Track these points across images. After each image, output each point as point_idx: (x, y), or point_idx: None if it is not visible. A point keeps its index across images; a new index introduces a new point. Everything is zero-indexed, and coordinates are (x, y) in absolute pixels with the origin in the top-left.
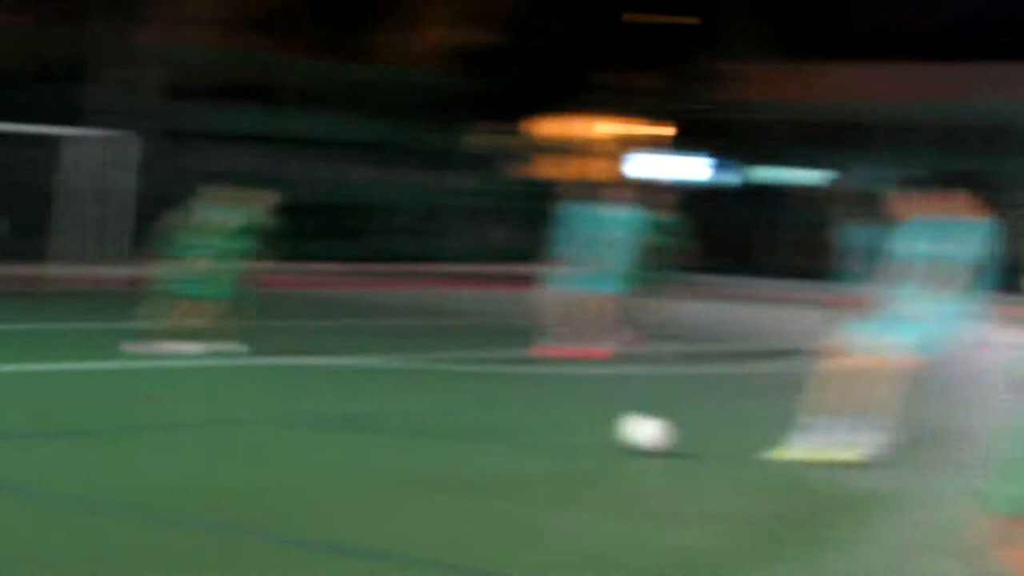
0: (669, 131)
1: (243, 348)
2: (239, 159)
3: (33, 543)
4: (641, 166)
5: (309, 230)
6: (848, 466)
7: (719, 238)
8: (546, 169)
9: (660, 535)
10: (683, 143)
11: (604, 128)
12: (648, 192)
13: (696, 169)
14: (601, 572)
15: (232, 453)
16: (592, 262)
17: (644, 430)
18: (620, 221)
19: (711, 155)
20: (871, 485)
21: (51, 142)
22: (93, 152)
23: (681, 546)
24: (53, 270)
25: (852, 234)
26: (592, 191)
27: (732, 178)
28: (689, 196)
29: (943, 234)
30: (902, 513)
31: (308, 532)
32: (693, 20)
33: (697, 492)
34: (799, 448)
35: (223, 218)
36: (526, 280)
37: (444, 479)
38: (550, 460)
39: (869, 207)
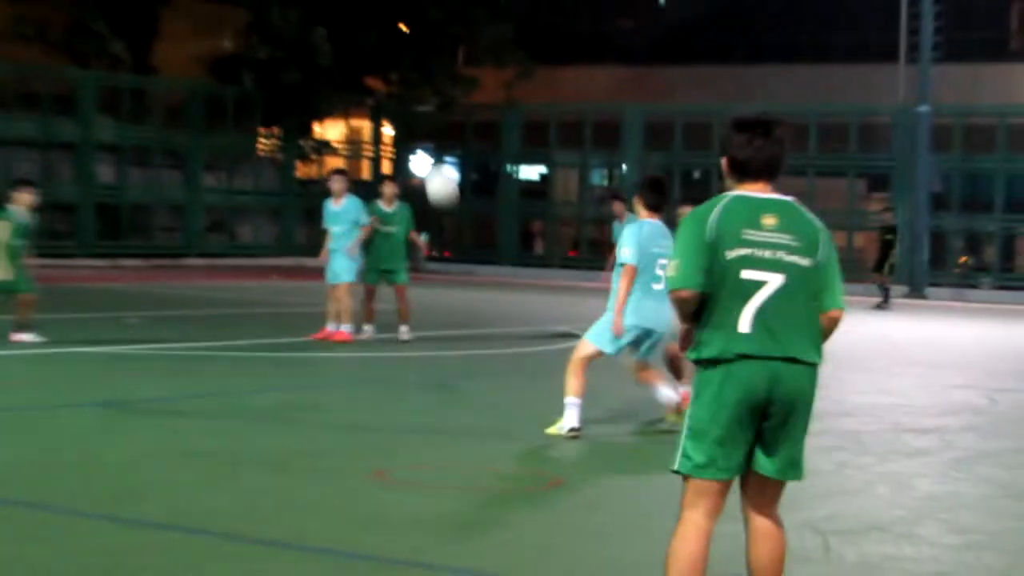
0: (417, 130)
1: (42, 338)
2: (17, 164)
3: None
4: (396, 163)
5: (92, 228)
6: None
7: (463, 229)
8: (318, 169)
9: (416, 503)
10: (427, 142)
11: (365, 128)
12: (380, 185)
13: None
14: (373, 534)
15: (33, 435)
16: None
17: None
18: (345, 213)
19: (446, 152)
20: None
21: None
22: None
23: (433, 512)
24: None
25: (614, 229)
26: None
27: (466, 174)
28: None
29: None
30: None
31: (107, 507)
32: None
33: (457, 465)
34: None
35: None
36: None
37: (216, 454)
38: (314, 437)
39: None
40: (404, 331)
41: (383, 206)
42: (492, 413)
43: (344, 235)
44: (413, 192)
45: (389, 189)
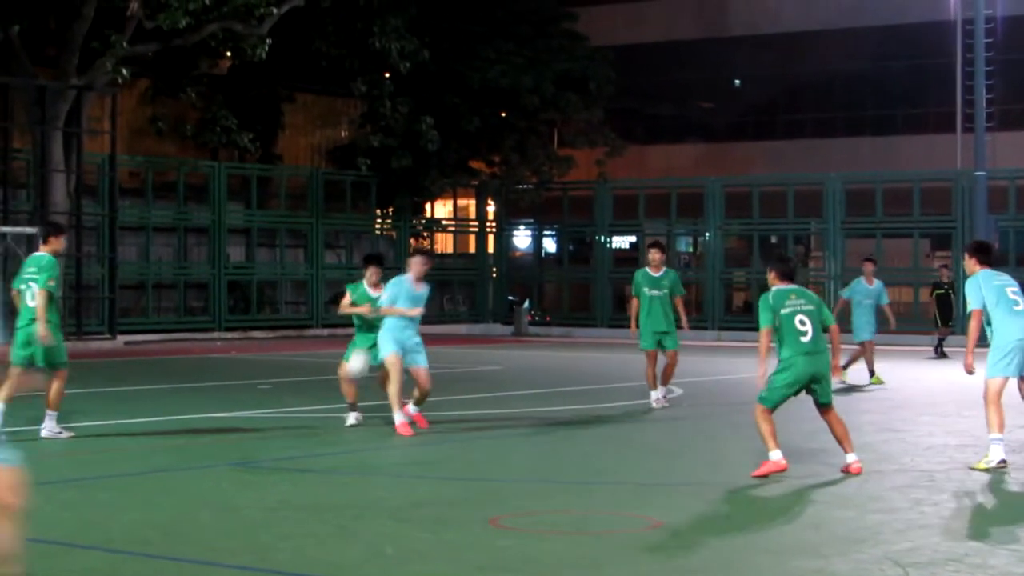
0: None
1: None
2: (155, 248)
3: None
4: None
5: (224, 304)
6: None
7: (562, 295)
8: (428, 243)
9: (530, 548)
10: (527, 217)
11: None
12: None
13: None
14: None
15: (174, 493)
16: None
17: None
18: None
19: (545, 226)
20: None
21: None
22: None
23: (547, 555)
24: None
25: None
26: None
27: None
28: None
29: None
30: None
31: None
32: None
33: (566, 512)
34: None
35: None
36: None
37: (342, 507)
38: (432, 488)
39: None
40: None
41: (651, 272)
42: (599, 464)
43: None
44: (514, 264)
45: (657, 256)
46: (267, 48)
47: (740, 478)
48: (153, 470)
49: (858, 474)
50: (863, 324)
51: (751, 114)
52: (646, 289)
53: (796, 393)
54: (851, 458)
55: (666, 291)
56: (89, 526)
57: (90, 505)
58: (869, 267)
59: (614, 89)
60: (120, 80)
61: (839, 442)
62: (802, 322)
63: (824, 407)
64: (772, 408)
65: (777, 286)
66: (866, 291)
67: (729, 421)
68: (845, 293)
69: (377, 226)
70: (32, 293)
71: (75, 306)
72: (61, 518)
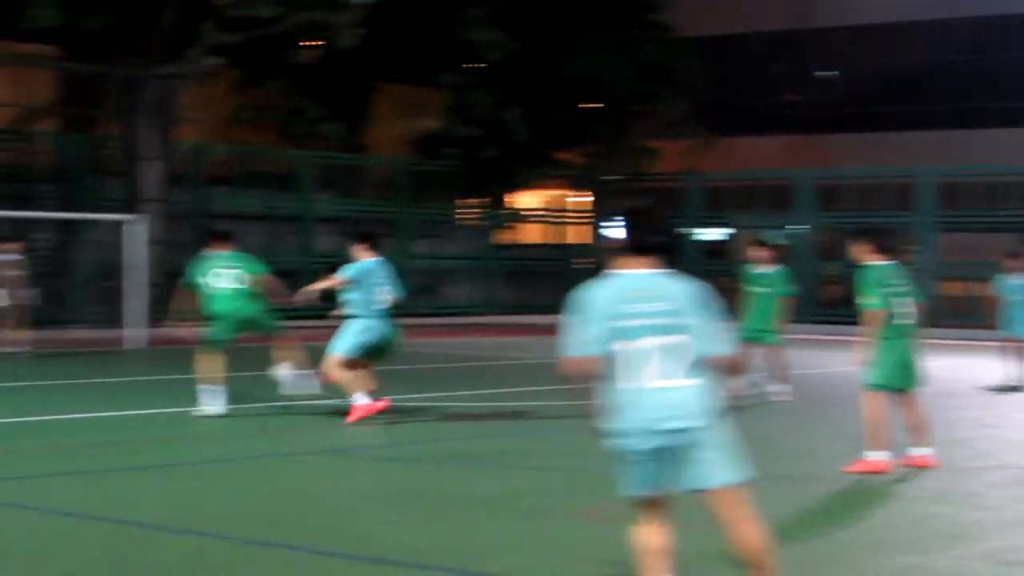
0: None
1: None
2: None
3: (125, 562)
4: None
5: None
6: None
7: None
8: (514, 234)
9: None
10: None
11: (559, 198)
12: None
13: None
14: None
15: (270, 480)
16: None
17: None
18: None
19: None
20: None
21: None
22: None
23: None
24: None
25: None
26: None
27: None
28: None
29: None
30: None
31: (342, 546)
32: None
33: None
34: None
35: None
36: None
37: (438, 496)
38: (526, 478)
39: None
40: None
41: (761, 268)
42: None
43: None
44: (604, 255)
45: (758, 252)
46: (355, 38)
47: (834, 472)
48: (245, 457)
49: (924, 468)
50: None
51: (842, 106)
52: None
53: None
54: (922, 451)
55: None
56: (184, 511)
57: (185, 491)
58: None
59: (702, 80)
60: (209, 69)
61: (912, 431)
62: (902, 303)
63: (908, 392)
64: (884, 392)
65: (874, 261)
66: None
67: (823, 415)
68: (998, 289)
69: (465, 216)
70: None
71: (166, 293)
72: (156, 502)
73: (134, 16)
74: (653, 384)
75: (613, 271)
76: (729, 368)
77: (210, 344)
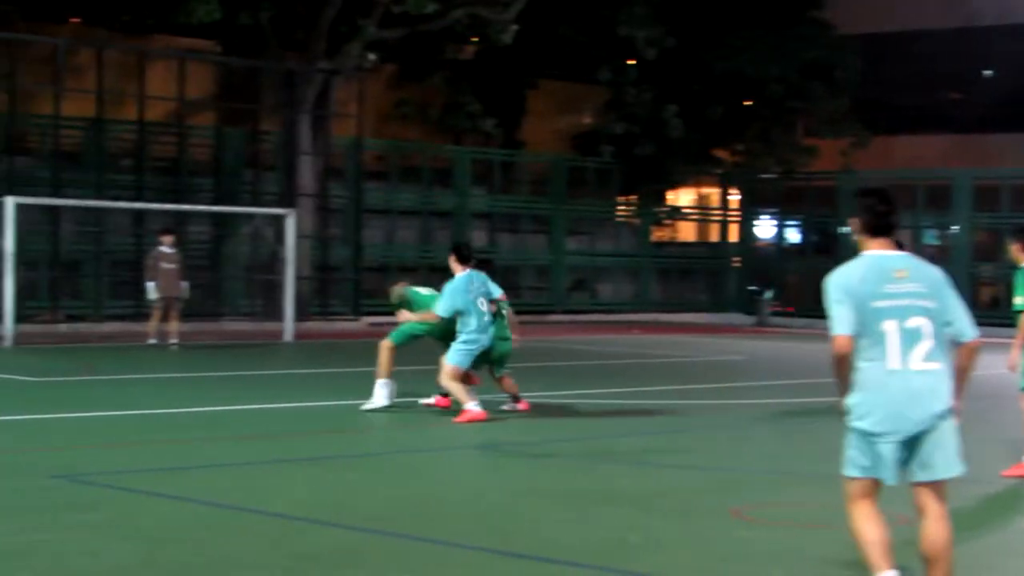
0: (761, 196)
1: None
2: (399, 231)
3: (273, 554)
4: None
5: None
6: None
7: (804, 286)
8: (671, 232)
9: (773, 540)
10: (770, 206)
11: (713, 195)
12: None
13: (770, 229)
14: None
15: (421, 476)
16: None
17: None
18: None
19: (788, 216)
20: None
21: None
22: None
23: (790, 548)
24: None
25: None
26: None
27: (807, 234)
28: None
29: None
30: None
31: (494, 542)
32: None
33: (808, 504)
34: None
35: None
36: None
37: (585, 493)
38: (674, 477)
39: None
40: None
41: None
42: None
43: None
44: (756, 253)
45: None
46: (512, 34)
47: (989, 476)
48: (399, 451)
49: None
50: None
51: (1002, 105)
52: None
53: None
54: None
55: None
56: (335, 504)
57: (337, 484)
58: None
59: (860, 78)
60: (367, 65)
61: None
62: None
63: None
64: None
65: None
66: None
67: (980, 418)
68: None
69: (620, 213)
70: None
71: (320, 287)
72: (307, 495)
73: (293, 11)
74: (907, 366)
75: (863, 252)
76: (973, 353)
77: (396, 338)
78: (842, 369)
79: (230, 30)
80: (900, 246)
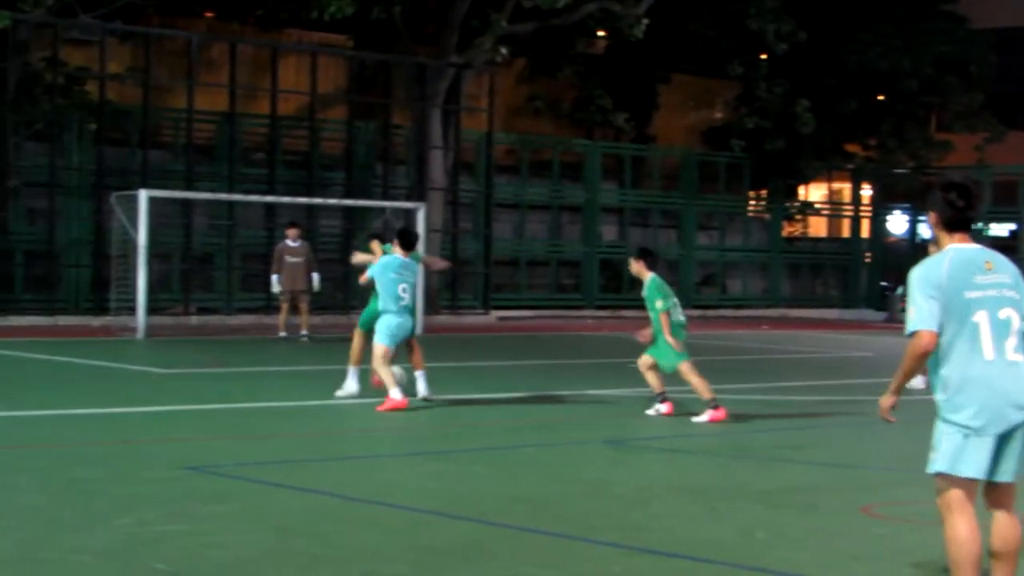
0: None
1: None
2: (529, 225)
3: (399, 546)
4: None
5: (596, 282)
6: None
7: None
8: (802, 227)
9: (904, 538)
10: (903, 202)
11: (843, 191)
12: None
13: (902, 224)
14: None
15: (549, 469)
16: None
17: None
18: None
19: (921, 211)
20: None
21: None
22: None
23: (922, 547)
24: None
25: None
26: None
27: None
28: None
29: None
30: None
31: (622, 536)
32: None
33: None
34: None
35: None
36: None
37: (713, 488)
38: (803, 473)
39: None
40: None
41: None
42: None
43: None
44: (888, 249)
45: None
46: (643, 28)
47: None
48: (525, 444)
49: None
50: None
51: None
52: None
53: None
54: None
55: None
56: (460, 498)
57: (463, 477)
58: None
59: (995, 73)
60: (498, 59)
61: None
62: None
63: None
64: None
65: None
66: None
67: None
68: None
69: (750, 208)
70: None
71: (451, 281)
72: (432, 489)
73: (425, 5)
74: (1003, 357)
75: (946, 246)
76: None
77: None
78: (917, 365)
79: (362, 24)
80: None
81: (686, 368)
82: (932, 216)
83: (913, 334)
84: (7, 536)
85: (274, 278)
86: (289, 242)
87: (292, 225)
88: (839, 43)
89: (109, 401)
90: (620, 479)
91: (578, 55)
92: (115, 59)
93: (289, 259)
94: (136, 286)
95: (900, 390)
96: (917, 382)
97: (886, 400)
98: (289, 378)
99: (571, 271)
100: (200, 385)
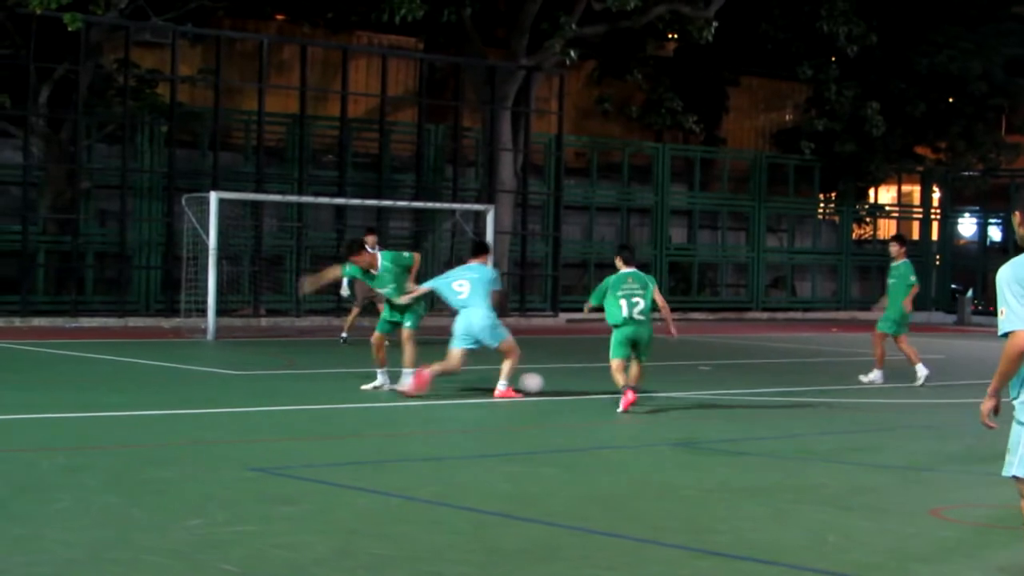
0: (964, 194)
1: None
2: (598, 227)
3: (469, 548)
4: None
5: (666, 284)
6: None
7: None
8: (872, 230)
9: (973, 541)
10: (973, 205)
11: (916, 192)
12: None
13: (972, 227)
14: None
15: (618, 471)
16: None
17: (529, 381)
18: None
19: (991, 215)
20: None
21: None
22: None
23: (989, 549)
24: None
25: None
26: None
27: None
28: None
29: None
30: None
31: (688, 538)
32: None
33: (1007, 507)
34: None
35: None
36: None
37: (781, 491)
38: (870, 476)
39: None
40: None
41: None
42: None
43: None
44: (958, 252)
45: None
46: (713, 31)
47: None
48: (595, 446)
49: None
50: None
51: None
52: None
53: None
54: None
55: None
56: (530, 499)
57: (533, 479)
58: None
59: None
60: (568, 61)
61: None
62: None
63: None
64: None
65: None
66: None
67: None
68: None
69: (820, 211)
70: None
71: (519, 283)
72: (503, 490)
73: (495, 8)
74: None
75: None
76: None
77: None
78: (1015, 367)
79: (432, 27)
80: None
81: None
82: (1017, 216)
83: (1008, 334)
84: (80, 535)
85: (344, 281)
86: (368, 249)
87: (371, 232)
88: (909, 45)
89: (179, 402)
90: (688, 481)
91: (648, 57)
92: (186, 61)
93: None
94: (206, 288)
95: (998, 393)
96: (875, 375)
97: (985, 404)
98: (357, 380)
99: (653, 274)
100: (269, 386)
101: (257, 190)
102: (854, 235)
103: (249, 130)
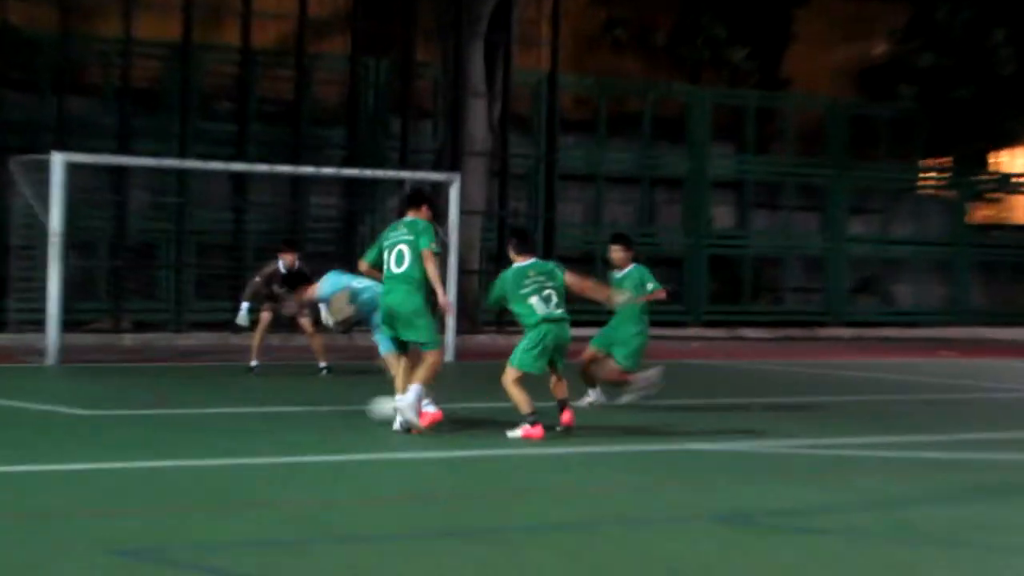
0: None
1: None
2: (610, 204)
3: None
4: None
5: (705, 288)
6: None
7: None
8: (1004, 212)
9: None
10: None
11: None
12: None
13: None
14: None
15: (636, 557)
16: None
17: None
18: None
19: None
20: None
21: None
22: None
23: None
24: None
25: None
26: None
27: None
28: None
29: None
30: None
31: None
32: None
33: None
34: None
35: None
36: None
37: None
38: (1001, 569)
39: None
40: None
41: None
42: None
43: None
44: None
45: None
46: None
47: None
48: (604, 520)
49: None
50: None
51: None
52: None
53: None
54: None
55: None
56: None
57: (513, 570)
58: None
59: None
60: None
61: None
62: None
63: None
64: None
65: None
66: None
67: None
68: None
69: (925, 183)
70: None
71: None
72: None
73: None
74: None
75: None
76: None
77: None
78: None
79: None
80: None
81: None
82: None
83: None
84: None
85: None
86: (282, 269)
87: (289, 247)
88: None
89: (9, 456)
90: (739, 572)
91: None
92: None
93: (276, 288)
94: (46, 291)
95: None
96: (652, 373)
97: None
98: (262, 422)
99: (669, 272)
100: (138, 433)
101: (121, 150)
102: (975, 218)
103: (110, 66)
